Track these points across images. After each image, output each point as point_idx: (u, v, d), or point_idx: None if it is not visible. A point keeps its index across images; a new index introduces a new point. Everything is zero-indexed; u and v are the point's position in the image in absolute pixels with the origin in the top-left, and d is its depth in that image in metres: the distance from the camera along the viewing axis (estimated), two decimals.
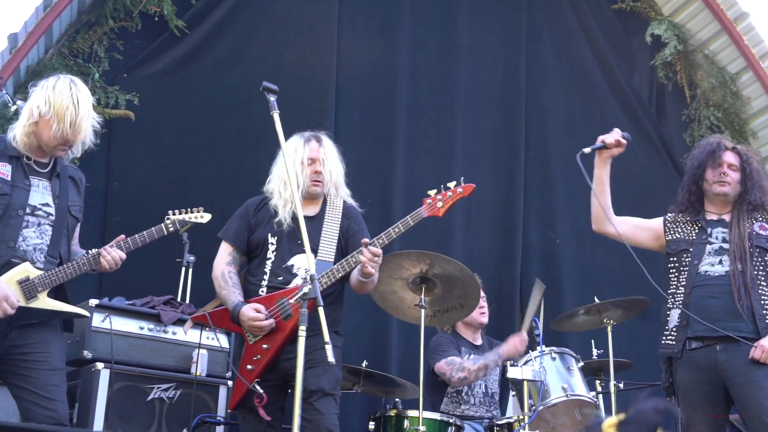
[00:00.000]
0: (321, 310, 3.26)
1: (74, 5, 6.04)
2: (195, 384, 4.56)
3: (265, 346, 3.97)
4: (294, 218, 4.10)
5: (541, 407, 4.65)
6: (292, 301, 3.94)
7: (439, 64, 7.15)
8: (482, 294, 5.39)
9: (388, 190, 6.66)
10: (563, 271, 7.05)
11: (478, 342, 5.68)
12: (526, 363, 4.78)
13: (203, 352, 4.73)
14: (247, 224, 4.23)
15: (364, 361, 5.11)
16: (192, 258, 5.62)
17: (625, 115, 7.63)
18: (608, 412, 5.09)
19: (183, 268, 5.60)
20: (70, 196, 3.83)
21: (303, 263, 4.07)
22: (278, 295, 3.99)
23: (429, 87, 7.08)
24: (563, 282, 6.99)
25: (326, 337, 3.23)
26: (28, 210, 3.65)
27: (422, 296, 4.61)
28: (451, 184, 4.19)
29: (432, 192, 4.16)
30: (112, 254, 3.78)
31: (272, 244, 4.13)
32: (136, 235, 3.87)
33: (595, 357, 5.40)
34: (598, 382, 5.43)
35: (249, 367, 3.96)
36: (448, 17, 7.20)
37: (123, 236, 3.85)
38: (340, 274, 4.01)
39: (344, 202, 4.29)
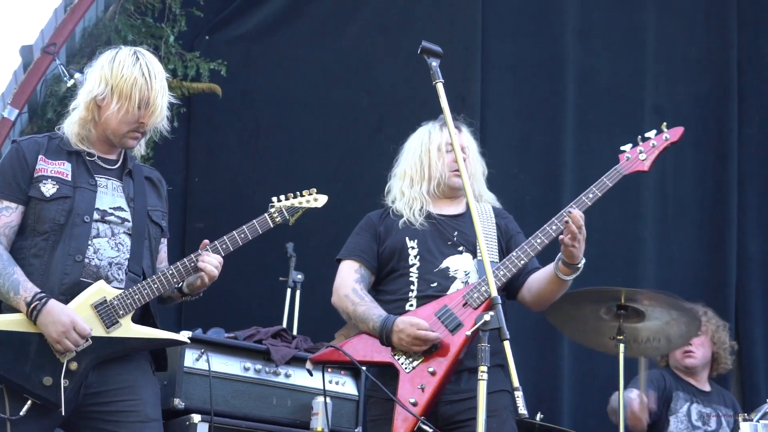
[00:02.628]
0: (507, 344, 3.27)
1: None
2: None
3: (430, 369, 3.98)
4: (428, 217, 4.22)
5: None
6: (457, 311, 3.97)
7: (618, 14, 7.11)
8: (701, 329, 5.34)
9: (554, 181, 6.66)
10: None
11: (705, 387, 5.60)
12: (763, 417, 4.67)
13: (327, 400, 4.76)
14: (374, 234, 4.31)
15: (539, 414, 5.10)
16: (300, 276, 5.72)
17: None
18: None
19: (288, 290, 5.70)
20: (149, 200, 3.90)
21: (461, 264, 4.14)
22: (436, 305, 4.04)
23: (605, 44, 7.04)
24: None
25: (515, 380, 3.24)
26: (96, 215, 3.74)
27: (620, 326, 4.58)
28: (651, 133, 4.24)
29: (626, 147, 4.21)
30: (211, 259, 3.84)
31: (413, 248, 4.20)
32: (234, 232, 3.91)
33: None
34: None
35: (411, 400, 3.97)
36: None
37: (207, 241, 3.90)
38: (522, 262, 4.04)
39: (491, 205, 4.38)
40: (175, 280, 3.79)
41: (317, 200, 4.10)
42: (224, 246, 3.89)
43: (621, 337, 4.65)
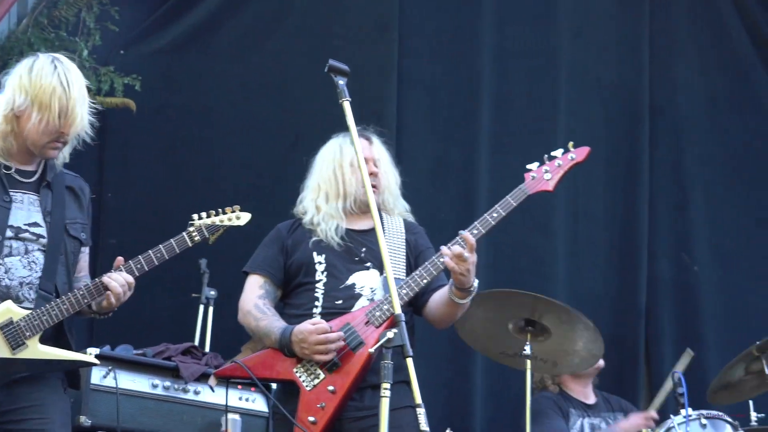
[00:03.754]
0: (410, 362, 3.27)
1: None
2: None
3: (330, 388, 3.95)
4: (344, 235, 4.19)
5: None
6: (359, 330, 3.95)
7: (533, 37, 7.16)
8: None
9: (468, 201, 6.69)
10: (705, 310, 6.99)
11: (591, 400, 5.68)
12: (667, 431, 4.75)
13: (235, 417, 4.73)
14: (281, 247, 4.28)
15: (447, 429, 5.11)
16: (213, 293, 5.69)
17: None
18: None
19: (201, 306, 5.66)
20: (68, 212, 3.82)
21: (367, 281, 4.13)
22: (339, 323, 4.01)
23: (520, 66, 7.09)
24: (705, 325, 6.94)
25: (417, 397, 3.24)
26: (9, 233, 3.67)
27: (527, 342, 4.62)
28: (557, 152, 4.24)
29: (532, 166, 4.22)
30: (119, 279, 3.78)
31: (320, 263, 4.18)
32: (150, 252, 3.84)
33: (755, 423, 5.35)
34: None
35: (311, 419, 3.94)
36: None
37: (121, 258, 3.85)
38: (425, 281, 4.03)
39: (403, 219, 4.37)
40: (85, 300, 3.72)
41: (240, 218, 4.03)
42: (139, 266, 3.82)
43: (527, 352, 4.69)
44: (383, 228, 4.23)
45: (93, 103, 3.81)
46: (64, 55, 3.91)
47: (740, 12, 7.56)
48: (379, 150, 4.39)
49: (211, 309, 5.66)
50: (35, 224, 3.72)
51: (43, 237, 3.72)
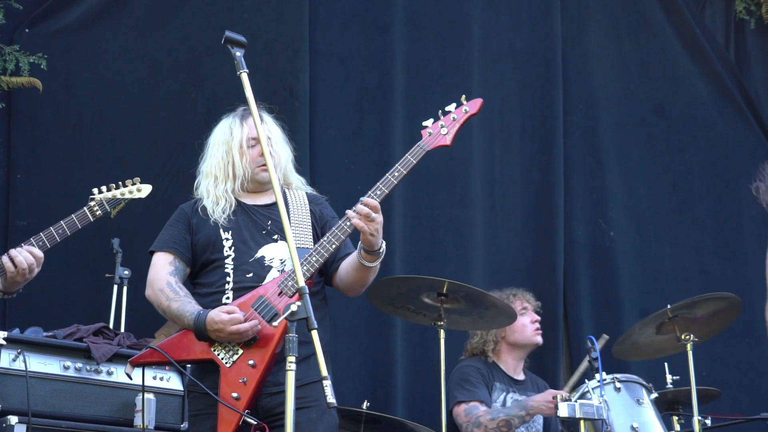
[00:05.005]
0: (315, 334, 3.26)
1: None
2: None
3: (250, 362, 3.95)
4: (241, 209, 4.24)
5: None
6: (273, 303, 3.96)
7: (445, 4, 7.16)
8: (529, 309, 5.52)
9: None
10: (620, 274, 7.10)
11: (520, 376, 5.71)
12: (582, 396, 4.79)
13: (149, 396, 4.70)
14: (187, 226, 4.29)
15: (365, 402, 5.12)
16: (127, 272, 5.62)
17: (694, 63, 7.69)
18: None
19: (115, 286, 5.60)
20: None
21: (277, 253, 4.14)
22: (253, 297, 4.02)
23: (433, 35, 7.08)
24: (621, 288, 7.04)
25: (323, 369, 3.23)
26: None
27: (441, 312, 4.64)
28: (451, 107, 4.33)
29: (428, 122, 4.27)
30: (23, 254, 3.71)
31: (227, 239, 4.19)
32: (51, 228, 3.82)
33: (670, 385, 5.42)
34: (676, 418, 5.46)
35: (234, 395, 3.94)
36: None
37: (31, 239, 3.80)
38: (333, 246, 4.03)
39: (305, 192, 4.41)
40: None
41: (141, 190, 4.01)
42: (41, 243, 3.78)
43: (441, 323, 4.71)
44: (287, 202, 4.27)
45: None
46: None
47: None
48: (270, 127, 4.40)
49: (125, 289, 5.59)
50: None
51: None
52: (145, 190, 4.02)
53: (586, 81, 7.41)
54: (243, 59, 3.66)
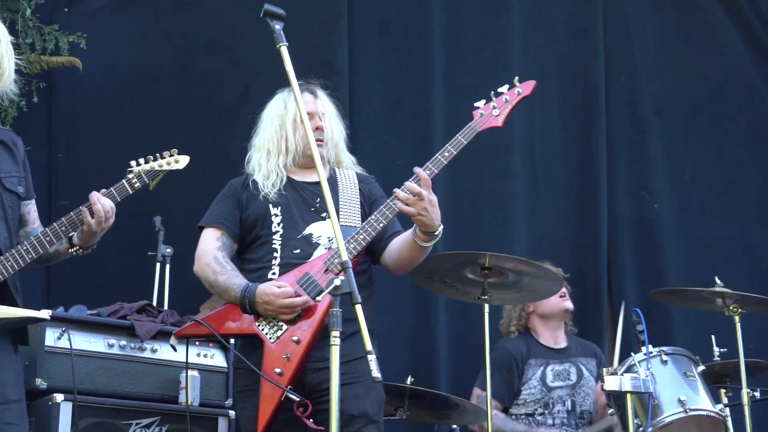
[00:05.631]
0: (359, 308, 3.24)
1: None
2: (188, 416, 4.52)
3: (294, 338, 3.95)
4: (291, 185, 4.23)
5: (651, 429, 4.63)
6: (319, 281, 3.96)
7: None
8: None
9: (423, 145, 6.65)
10: (664, 246, 7.03)
11: (561, 344, 5.69)
12: (628, 370, 4.75)
13: (194, 373, 4.70)
14: (236, 202, 4.29)
15: (409, 377, 5.12)
16: (169, 250, 5.65)
17: (737, 31, 7.57)
18: (740, 430, 5.05)
19: (158, 264, 5.62)
20: (2, 166, 3.75)
21: (324, 231, 4.14)
22: (298, 273, 4.02)
23: (471, 6, 7.04)
24: (666, 261, 6.99)
25: (368, 344, 3.21)
26: None
27: (484, 286, 4.61)
28: (503, 88, 4.26)
29: (480, 103, 4.23)
30: (102, 202, 3.75)
31: (276, 215, 4.19)
32: (73, 213, 3.81)
33: (717, 358, 5.36)
34: (723, 391, 5.39)
35: (277, 370, 3.93)
36: None
37: (70, 213, 3.82)
38: (381, 225, 4.02)
39: (355, 171, 4.41)
40: (47, 238, 3.67)
41: (178, 161, 3.98)
42: (63, 228, 3.78)
43: (485, 297, 4.68)
44: (337, 181, 4.27)
45: (19, 59, 3.76)
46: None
47: None
48: (324, 103, 4.40)
49: (167, 267, 5.62)
50: None
51: None
52: (183, 161, 3.99)
53: (627, 51, 7.33)
54: (282, 32, 3.63)
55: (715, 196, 7.26)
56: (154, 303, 5.45)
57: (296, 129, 4.28)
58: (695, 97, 7.37)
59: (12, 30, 5.91)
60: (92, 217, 3.73)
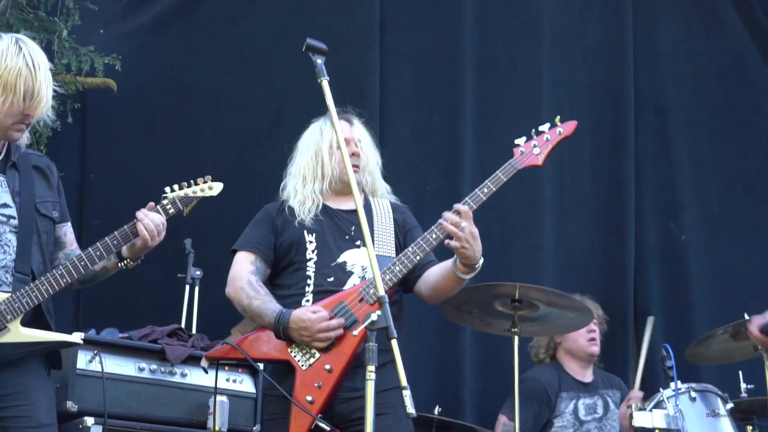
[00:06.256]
0: (395, 344, 3.25)
1: None
2: None
3: (327, 367, 3.95)
4: (326, 212, 4.23)
5: None
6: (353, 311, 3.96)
7: (515, 1, 7.14)
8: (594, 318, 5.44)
9: (454, 170, 6.69)
10: (692, 277, 7.01)
11: (588, 378, 5.68)
12: (657, 406, 4.75)
13: (222, 398, 4.72)
14: (271, 226, 4.29)
15: (437, 408, 5.12)
16: (199, 273, 5.66)
17: (766, 62, 7.54)
18: None
19: (187, 287, 5.64)
20: (37, 191, 3.77)
21: (358, 259, 4.14)
22: (334, 302, 4.03)
23: (503, 32, 7.07)
24: (693, 293, 6.96)
25: (403, 379, 3.22)
26: None
27: (515, 319, 4.61)
28: (544, 127, 4.27)
29: (520, 140, 4.23)
30: (152, 217, 3.77)
31: (311, 242, 4.19)
32: (125, 226, 3.81)
33: (744, 395, 5.35)
34: (750, 428, 5.38)
35: (308, 398, 3.94)
36: None
37: (106, 239, 3.83)
38: (418, 257, 4.03)
39: (389, 200, 4.42)
40: (97, 253, 3.67)
41: (212, 188, 3.99)
42: (115, 242, 3.80)
43: (515, 329, 4.68)
44: (371, 209, 4.28)
45: (56, 85, 3.76)
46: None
47: None
48: (360, 131, 4.42)
49: (197, 289, 5.63)
50: (5, 205, 3.66)
51: (13, 218, 3.66)
52: (217, 188, 4.00)
53: (658, 78, 7.31)
54: (324, 67, 3.66)
55: (744, 227, 7.22)
56: (183, 325, 5.47)
57: (332, 155, 4.29)
58: (724, 127, 7.35)
59: (48, 51, 5.98)
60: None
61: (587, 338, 5.61)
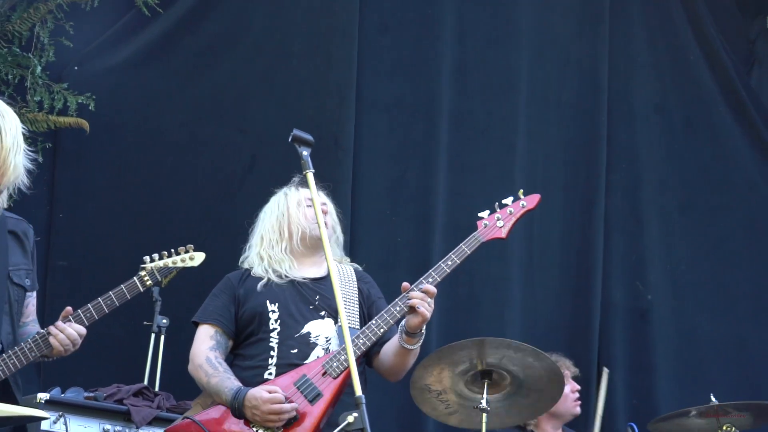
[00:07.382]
0: None
1: None
2: None
3: None
4: (289, 281, 4.22)
5: None
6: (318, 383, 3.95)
7: (493, 56, 7.11)
8: (569, 376, 5.44)
9: (426, 223, 6.67)
10: (656, 338, 7.04)
11: None
12: None
13: None
14: (232, 296, 4.28)
15: None
16: (165, 321, 5.60)
17: (738, 125, 7.60)
18: None
19: (153, 335, 5.58)
20: (11, 258, 3.71)
21: (323, 330, 4.13)
22: (295, 375, 4.01)
23: (479, 86, 7.05)
24: (656, 353, 6.98)
25: None
26: None
27: (484, 394, 4.58)
28: (508, 200, 4.34)
29: (484, 213, 4.30)
30: (66, 331, 3.69)
31: (273, 311, 4.17)
32: (100, 299, 3.75)
33: None
34: None
35: None
36: None
37: (70, 309, 3.76)
38: (381, 330, 4.04)
39: (353, 267, 4.42)
40: (32, 355, 3.64)
41: (193, 259, 3.94)
42: (88, 315, 3.75)
43: (483, 405, 4.60)
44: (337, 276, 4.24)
45: (30, 150, 3.67)
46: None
47: (699, 41, 7.58)
48: (326, 201, 4.44)
49: (162, 338, 5.58)
50: None
51: None
52: (198, 258, 3.96)
53: (631, 138, 7.34)
54: (309, 159, 3.65)
55: (711, 289, 7.26)
56: (147, 374, 5.41)
57: (301, 210, 4.31)
58: (694, 188, 7.38)
59: (21, 87, 5.92)
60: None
61: (573, 398, 5.58)
